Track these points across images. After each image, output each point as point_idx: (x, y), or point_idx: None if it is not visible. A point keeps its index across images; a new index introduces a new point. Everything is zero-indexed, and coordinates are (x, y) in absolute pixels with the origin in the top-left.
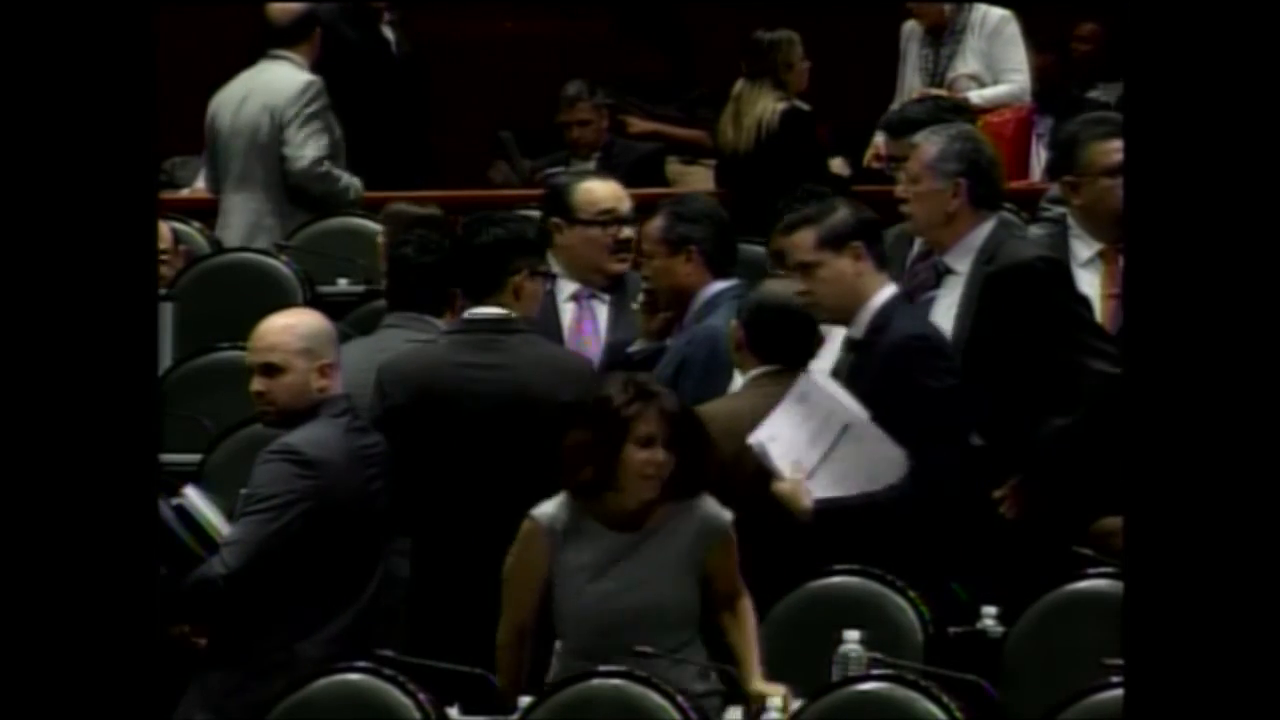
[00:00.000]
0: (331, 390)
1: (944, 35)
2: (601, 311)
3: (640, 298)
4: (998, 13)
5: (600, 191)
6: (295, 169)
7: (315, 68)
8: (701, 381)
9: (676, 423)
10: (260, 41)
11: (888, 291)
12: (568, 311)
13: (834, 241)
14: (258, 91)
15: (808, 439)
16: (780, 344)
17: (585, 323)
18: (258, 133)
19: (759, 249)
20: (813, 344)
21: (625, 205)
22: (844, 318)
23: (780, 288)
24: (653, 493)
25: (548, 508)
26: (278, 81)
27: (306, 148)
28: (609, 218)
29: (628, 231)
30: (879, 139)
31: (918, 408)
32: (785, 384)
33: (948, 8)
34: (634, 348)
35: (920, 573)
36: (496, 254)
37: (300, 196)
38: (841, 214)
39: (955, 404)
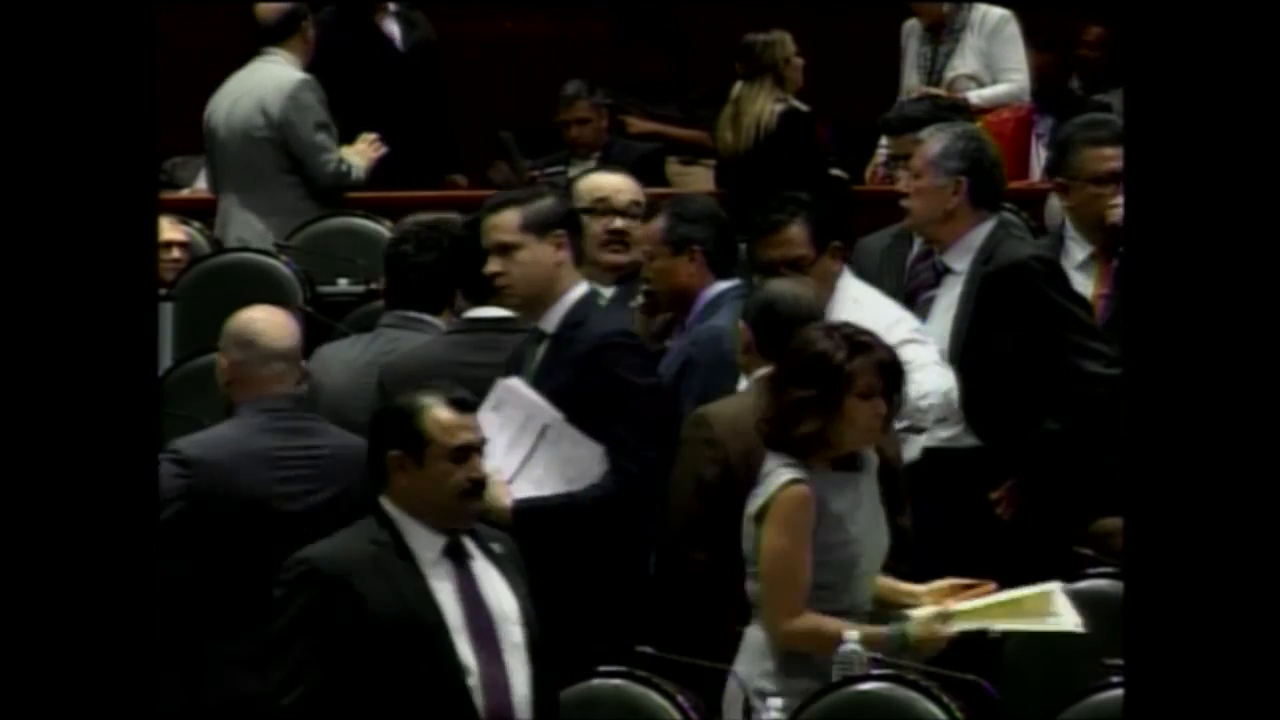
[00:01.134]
0: (248, 393)
1: (943, 33)
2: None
3: (639, 299)
4: (997, 12)
5: (601, 181)
6: (325, 173)
7: (312, 67)
8: (707, 381)
9: (888, 373)
10: (254, 41)
11: (583, 288)
12: None
13: (538, 226)
14: (249, 92)
15: (506, 444)
16: (785, 342)
17: None
18: (252, 132)
19: None
20: None
21: (624, 198)
22: (533, 307)
23: (786, 288)
24: (870, 444)
25: (792, 470)
26: (269, 81)
27: (325, 153)
28: (602, 207)
29: (619, 223)
30: (881, 156)
31: (621, 405)
32: None
33: (947, 6)
34: None
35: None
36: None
37: (326, 195)
38: (549, 201)
39: (659, 402)
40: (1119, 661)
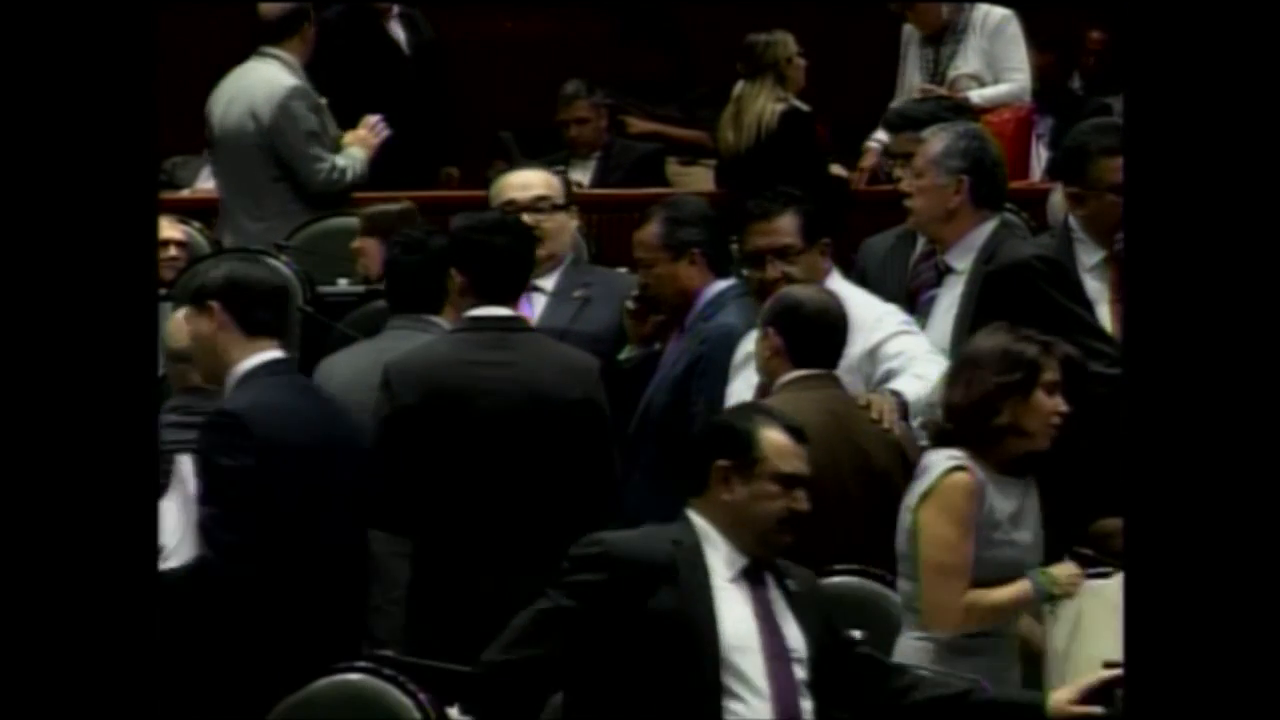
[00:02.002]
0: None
1: (945, 35)
2: (539, 302)
3: (629, 305)
4: (999, 12)
5: (509, 180)
6: (316, 182)
7: (317, 67)
8: (720, 381)
9: (1070, 370)
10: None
11: (252, 362)
12: None
13: (196, 299)
14: (242, 95)
15: (174, 519)
16: (820, 349)
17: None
18: (242, 137)
19: None
20: (843, 348)
21: (529, 193)
22: (215, 380)
23: (809, 293)
24: (1046, 443)
25: (955, 458)
26: (261, 86)
27: (316, 162)
28: (511, 207)
29: (526, 218)
30: (873, 146)
31: (208, 486)
32: (821, 387)
33: (946, 8)
34: (624, 355)
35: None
36: (526, 256)
37: (318, 200)
38: (213, 274)
39: (248, 484)
40: (1119, 661)
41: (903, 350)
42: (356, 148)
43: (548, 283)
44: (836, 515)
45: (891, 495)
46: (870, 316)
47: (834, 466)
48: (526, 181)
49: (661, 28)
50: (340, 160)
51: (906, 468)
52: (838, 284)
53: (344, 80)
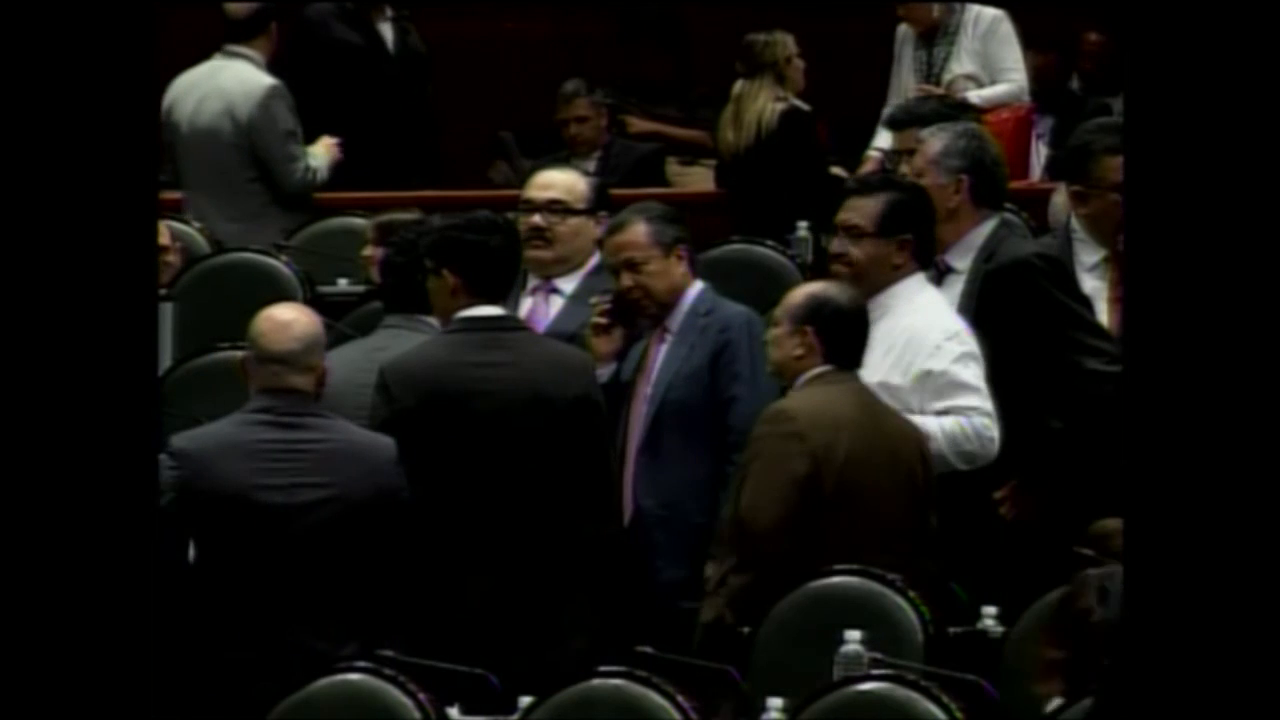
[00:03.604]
0: (253, 388)
1: (938, 36)
2: (556, 304)
3: (597, 319)
4: (991, 12)
5: (535, 179)
6: (292, 182)
7: (303, 63)
8: (754, 364)
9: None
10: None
11: None
12: (525, 305)
13: None
14: (215, 94)
15: None
16: (853, 348)
17: (537, 317)
18: (218, 136)
19: (760, 249)
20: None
21: (543, 195)
22: None
23: (840, 291)
24: None
25: None
26: (237, 85)
27: (292, 162)
28: (526, 206)
29: (536, 219)
30: (874, 155)
31: None
32: (847, 380)
33: (937, 9)
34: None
35: (920, 573)
36: (517, 256)
37: (293, 200)
38: None
39: None
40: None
41: (977, 408)
42: (322, 154)
43: (568, 285)
44: (872, 504)
45: (915, 486)
46: (933, 337)
47: (869, 456)
48: (548, 181)
49: (661, 28)
50: (312, 160)
51: (925, 462)
52: (918, 287)
53: (326, 75)
